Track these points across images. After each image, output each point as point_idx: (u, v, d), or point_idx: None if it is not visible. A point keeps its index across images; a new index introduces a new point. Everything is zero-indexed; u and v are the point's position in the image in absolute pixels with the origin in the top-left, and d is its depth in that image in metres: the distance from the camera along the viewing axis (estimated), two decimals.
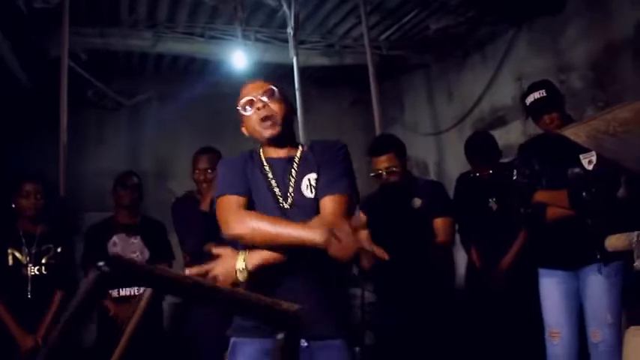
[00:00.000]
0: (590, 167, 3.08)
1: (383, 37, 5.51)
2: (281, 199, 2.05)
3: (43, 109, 5.13)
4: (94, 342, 3.80)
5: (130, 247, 3.88)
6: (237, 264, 1.94)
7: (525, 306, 3.34)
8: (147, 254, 3.89)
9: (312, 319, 1.89)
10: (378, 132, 4.51)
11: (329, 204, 2.01)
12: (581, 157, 3.11)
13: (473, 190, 3.71)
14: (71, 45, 5.14)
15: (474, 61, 5.52)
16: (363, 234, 1.80)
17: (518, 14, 4.93)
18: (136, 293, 3.81)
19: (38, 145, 5.17)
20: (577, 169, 3.13)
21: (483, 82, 5.36)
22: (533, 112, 3.23)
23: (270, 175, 2.10)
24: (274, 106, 2.08)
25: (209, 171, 3.70)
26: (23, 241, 3.37)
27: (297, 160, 2.11)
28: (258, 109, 2.07)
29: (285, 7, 4.54)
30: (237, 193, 2.05)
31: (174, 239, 3.96)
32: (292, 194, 2.05)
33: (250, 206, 2.05)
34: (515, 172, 3.30)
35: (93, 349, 3.70)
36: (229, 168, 2.16)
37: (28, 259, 3.33)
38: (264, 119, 2.07)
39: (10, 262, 3.30)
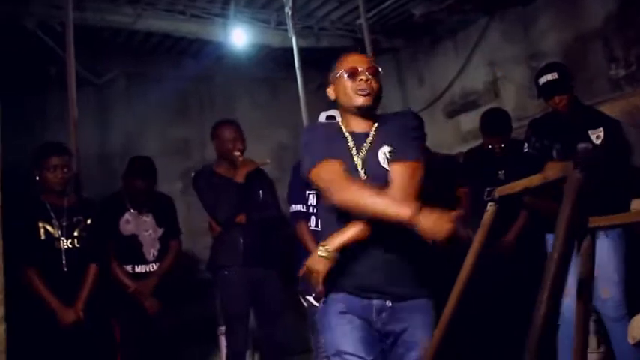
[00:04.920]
0: (598, 142, 3.43)
1: (359, 21, 5.67)
2: (360, 170, 2.14)
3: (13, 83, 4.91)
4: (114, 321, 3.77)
5: (142, 225, 3.86)
6: (318, 252, 2.04)
7: (534, 270, 3.65)
8: (160, 232, 3.90)
9: (396, 279, 2.07)
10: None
11: (397, 171, 2.09)
12: (589, 132, 3.45)
13: (483, 163, 3.98)
14: (46, 17, 4.97)
15: (446, 46, 5.82)
16: (455, 215, 1.90)
17: (492, 4, 5.26)
18: (151, 270, 3.80)
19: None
20: (586, 144, 3.45)
21: (455, 67, 5.67)
22: (545, 92, 3.53)
23: (352, 145, 2.19)
24: (374, 84, 2.20)
25: (237, 142, 3.75)
26: (52, 214, 3.28)
27: (372, 133, 2.21)
28: (361, 80, 2.17)
29: None
30: (336, 158, 2.13)
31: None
32: (368, 165, 2.14)
33: None
34: (525, 145, 3.60)
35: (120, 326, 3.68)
36: (317, 136, 2.26)
37: (60, 232, 3.26)
38: (362, 90, 2.17)
39: (42, 235, 3.22)
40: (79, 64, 5.65)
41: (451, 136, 5.66)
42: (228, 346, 3.95)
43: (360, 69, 2.19)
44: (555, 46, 4.96)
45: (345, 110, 2.27)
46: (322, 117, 3.46)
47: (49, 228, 3.26)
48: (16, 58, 4.90)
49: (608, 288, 3.35)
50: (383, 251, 2.08)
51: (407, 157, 2.12)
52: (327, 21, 5.68)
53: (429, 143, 5.81)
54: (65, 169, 3.33)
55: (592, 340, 4.17)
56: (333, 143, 2.21)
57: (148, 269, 3.79)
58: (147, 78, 5.94)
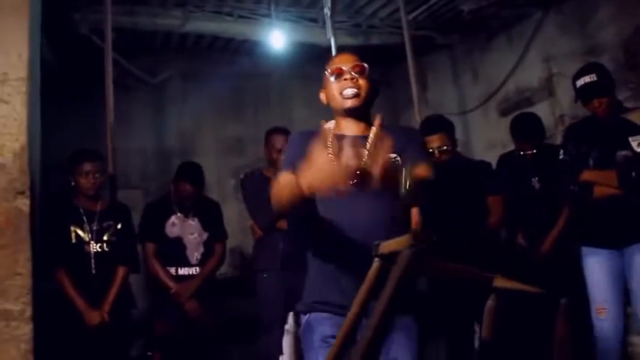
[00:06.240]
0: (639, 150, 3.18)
1: (410, 17, 5.53)
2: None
3: (72, 88, 5.13)
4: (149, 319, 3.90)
5: (188, 228, 3.95)
6: None
7: (569, 283, 3.45)
8: (205, 236, 3.98)
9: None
10: (416, 110, 4.57)
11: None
12: (630, 139, 3.20)
13: (516, 169, 3.79)
14: (98, 23, 5.15)
15: (500, 42, 5.57)
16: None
17: None
18: (194, 273, 3.89)
19: (68, 124, 5.18)
20: (626, 151, 3.21)
21: (509, 63, 5.42)
22: (583, 95, 3.31)
23: (330, 149, 2.02)
24: (362, 82, 2.13)
25: (282, 153, 3.76)
26: (84, 218, 3.42)
27: (372, 136, 2.11)
28: (346, 79, 2.11)
29: None
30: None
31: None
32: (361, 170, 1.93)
33: None
34: (561, 151, 3.39)
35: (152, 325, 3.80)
36: (292, 142, 2.24)
37: (90, 236, 3.40)
38: (348, 90, 2.11)
39: (73, 239, 3.36)
40: (135, 66, 5.88)
41: (505, 134, 5.41)
42: (262, 348, 4.00)
43: (344, 69, 2.13)
44: (615, 39, 4.62)
45: (337, 114, 2.21)
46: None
47: (80, 232, 3.40)
48: (70, 63, 5.11)
49: None
50: (360, 273, 1.80)
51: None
52: (376, 18, 5.57)
53: (483, 142, 5.67)
54: (97, 175, 3.45)
55: None
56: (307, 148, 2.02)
57: (190, 272, 3.88)
58: (201, 77, 6.06)
